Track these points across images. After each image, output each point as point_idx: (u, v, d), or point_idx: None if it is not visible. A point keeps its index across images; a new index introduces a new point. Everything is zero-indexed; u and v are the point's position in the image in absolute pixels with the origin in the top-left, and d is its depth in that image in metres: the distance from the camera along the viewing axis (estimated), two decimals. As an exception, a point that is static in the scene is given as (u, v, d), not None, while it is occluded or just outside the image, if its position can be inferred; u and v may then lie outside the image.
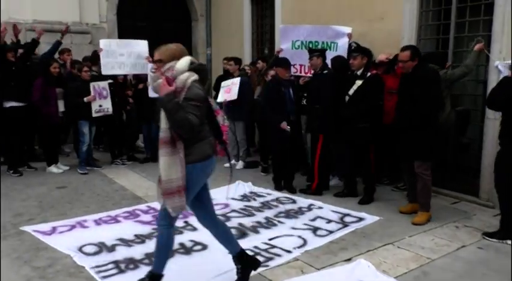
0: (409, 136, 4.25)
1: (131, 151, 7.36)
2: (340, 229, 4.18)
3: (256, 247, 3.73)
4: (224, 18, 9.47)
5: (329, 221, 4.40)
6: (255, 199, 5.14)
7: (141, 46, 6.86)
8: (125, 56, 6.71)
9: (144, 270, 3.19)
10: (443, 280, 3.25)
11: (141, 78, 6.95)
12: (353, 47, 5.30)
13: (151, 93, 6.73)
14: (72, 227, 4.26)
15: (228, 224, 4.29)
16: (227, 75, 6.97)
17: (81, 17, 8.43)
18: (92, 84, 6.24)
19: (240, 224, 4.33)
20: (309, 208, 4.82)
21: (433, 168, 4.40)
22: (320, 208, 4.81)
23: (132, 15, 9.33)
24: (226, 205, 4.92)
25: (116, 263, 3.46)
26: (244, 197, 5.22)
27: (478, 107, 5.29)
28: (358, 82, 4.86)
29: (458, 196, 5.09)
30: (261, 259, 3.50)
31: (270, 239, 3.92)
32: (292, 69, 6.04)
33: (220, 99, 6.72)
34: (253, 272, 3.16)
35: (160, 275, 2.89)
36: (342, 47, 5.74)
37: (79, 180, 6.04)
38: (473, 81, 5.32)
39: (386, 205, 4.90)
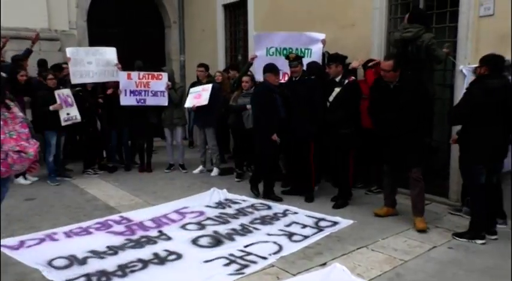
0: (402, 144, 4.25)
1: (102, 160, 7.21)
2: (315, 233, 4.21)
3: (231, 255, 3.70)
4: (197, 25, 9.45)
5: (304, 226, 4.41)
6: (230, 206, 5.11)
7: (110, 53, 6.76)
8: (93, 64, 6.59)
9: (116, 282, 3.11)
10: (416, 281, 3.31)
11: (109, 85, 6.82)
12: (326, 56, 5.33)
13: (124, 101, 6.67)
14: (41, 240, 4.11)
15: (203, 232, 4.29)
16: (200, 81, 6.97)
17: (49, 23, 8.22)
18: (56, 93, 6.08)
19: (215, 231, 4.29)
20: (284, 213, 4.82)
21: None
22: (295, 213, 4.82)
23: (103, 22, 9.17)
24: (202, 213, 4.87)
25: (88, 276, 3.36)
26: (219, 205, 5.18)
27: (445, 111, 5.42)
28: (337, 89, 4.96)
29: (429, 198, 5.18)
30: (236, 266, 3.50)
31: (246, 246, 3.89)
32: None
33: (188, 104, 6.70)
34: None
35: None
36: (316, 53, 5.80)
37: (48, 191, 5.86)
38: (440, 85, 5.47)
39: (360, 208, 4.96)
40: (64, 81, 6.55)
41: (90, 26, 8.88)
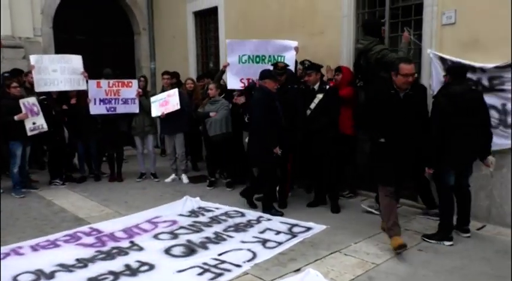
0: (408, 161, 4.06)
1: (69, 170, 7.01)
2: (289, 239, 4.22)
3: (205, 264, 3.67)
4: (168, 32, 9.38)
5: (278, 232, 4.43)
6: (203, 214, 5.07)
7: (75, 61, 6.59)
8: (58, 71, 6.41)
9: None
10: (388, 284, 3.37)
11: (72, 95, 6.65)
12: (306, 65, 5.29)
13: (93, 110, 6.52)
14: (6, 255, 3.94)
15: (176, 241, 4.23)
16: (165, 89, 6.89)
17: (13, 30, 7.94)
18: (21, 101, 5.88)
19: (189, 240, 4.24)
20: (258, 220, 4.82)
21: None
22: (269, 219, 4.83)
23: (70, 29, 8.97)
24: (174, 222, 4.81)
25: (55, 291, 3.25)
26: (193, 213, 5.13)
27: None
28: (319, 96, 5.03)
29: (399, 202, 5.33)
30: (210, 275, 3.46)
31: (220, 255, 3.87)
32: (240, 84, 6.10)
33: (156, 113, 6.59)
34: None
35: None
36: (289, 60, 5.84)
37: (13, 204, 5.64)
38: None
39: (333, 213, 5.04)
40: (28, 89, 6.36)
41: (56, 33, 8.64)
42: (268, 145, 4.87)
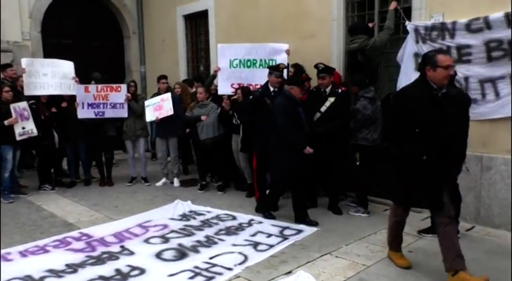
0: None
1: (59, 174, 6.94)
2: (280, 242, 4.23)
3: (196, 267, 3.65)
4: (158, 36, 9.36)
5: (269, 235, 4.43)
6: (194, 218, 5.05)
7: (67, 66, 6.58)
8: (49, 76, 6.38)
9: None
10: (379, 285, 3.39)
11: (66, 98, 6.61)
12: (320, 68, 5.19)
13: (81, 114, 6.48)
14: (-6, 261, 3.90)
15: (167, 245, 4.21)
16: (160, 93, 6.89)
17: (1, 34, 7.89)
18: (12, 106, 5.83)
19: (180, 244, 4.22)
20: (249, 223, 4.82)
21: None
22: (260, 222, 4.83)
23: (59, 33, 8.91)
24: (165, 226, 4.79)
25: (45, 297, 3.22)
26: (184, 217, 5.11)
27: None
28: (331, 99, 5.04)
29: (389, 204, 5.34)
30: (201, 279, 3.45)
31: (211, 258, 3.86)
32: (230, 89, 6.10)
33: (150, 118, 6.58)
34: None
35: None
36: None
37: (2, 209, 5.55)
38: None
39: (324, 215, 5.05)
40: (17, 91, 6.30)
41: (44, 37, 8.59)
42: (299, 149, 4.71)
